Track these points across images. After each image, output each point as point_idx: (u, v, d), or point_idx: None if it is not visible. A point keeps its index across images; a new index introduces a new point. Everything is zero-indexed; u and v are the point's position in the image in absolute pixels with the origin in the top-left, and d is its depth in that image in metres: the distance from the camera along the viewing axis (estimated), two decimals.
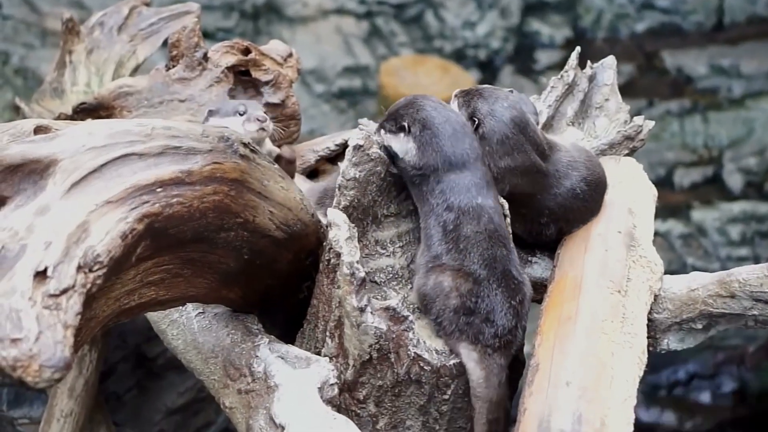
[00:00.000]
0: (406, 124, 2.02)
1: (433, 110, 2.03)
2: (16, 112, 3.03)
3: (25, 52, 4.85)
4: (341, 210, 2.00)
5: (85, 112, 2.68)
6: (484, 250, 1.97)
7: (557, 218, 2.20)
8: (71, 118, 2.67)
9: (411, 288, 2.05)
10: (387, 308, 1.92)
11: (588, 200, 2.21)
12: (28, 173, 1.67)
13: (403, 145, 2.02)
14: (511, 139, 2.10)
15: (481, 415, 1.95)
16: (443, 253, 1.97)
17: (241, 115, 2.19)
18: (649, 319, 2.10)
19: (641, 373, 1.95)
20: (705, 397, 3.89)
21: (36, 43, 4.89)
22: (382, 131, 2.07)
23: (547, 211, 2.18)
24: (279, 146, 2.73)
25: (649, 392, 3.86)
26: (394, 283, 2.08)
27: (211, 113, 2.31)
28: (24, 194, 1.66)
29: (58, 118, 2.68)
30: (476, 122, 2.10)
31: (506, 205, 2.10)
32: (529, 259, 2.29)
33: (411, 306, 2.05)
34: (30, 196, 1.65)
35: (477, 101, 2.12)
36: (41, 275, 1.52)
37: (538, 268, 2.27)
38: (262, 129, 2.24)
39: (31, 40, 4.90)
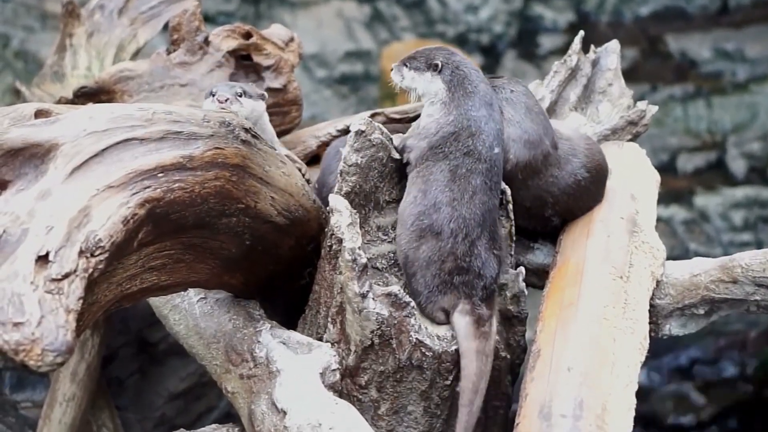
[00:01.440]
0: (439, 63, 2.04)
1: (464, 58, 2.08)
2: (17, 96, 3.02)
3: (26, 36, 4.83)
4: (343, 196, 2.00)
5: (86, 96, 2.66)
6: (483, 203, 1.97)
7: (561, 210, 2.19)
8: (72, 102, 2.66)
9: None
10: (389, 294, 1.92)
11: (590, 186, 2.20)
12: (29, 157, 1.67)
13: (430, 85, 2.04)
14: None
15: (469, 363, 1.93)
16: (444, 202, 1.96)
17: (213, 95, 2.18)
18: (651, 305, 2.11)
19: (643, 359, 1.96)
20: (707, 382, 3.90)
21: (36, 26, 4.87)
22: (405, 68, 2.07)
23: (551, 201, 2.17)
24: (280, 132, 2.73)
25: (650, 377, 3.87)
26: (396, 269, 2.08)
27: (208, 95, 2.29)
28: (25, 178, 1.66)
29: (59, 102, 2.67)
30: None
31: (508, 191, 2.09)
32: (531, 245, 2.28)
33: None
34: (31, 180, 1.65)
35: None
36: (43, 260, 1.52)
37: (540, 254, 2.27)
38: (224, 109, 2.20)
39: (31, 23, 4.88)
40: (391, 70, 2.11)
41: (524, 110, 2.10)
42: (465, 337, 1.94)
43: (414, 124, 2.17)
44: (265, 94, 2.29)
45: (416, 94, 2.10)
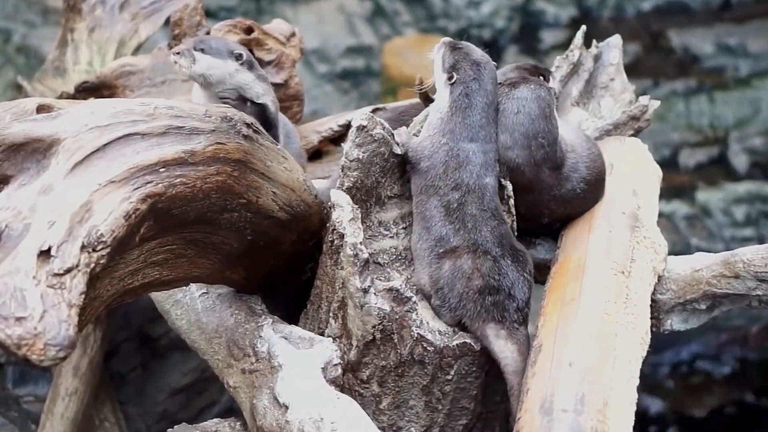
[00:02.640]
0: (454, 78, 2.04)
1: (487, 86, 2.05)
2: (18, 91, 3.02)
3: (27, 30, 4.82)
4: (344, 191, 2.00)
5: (88, 91, 2.67)
6: (493, 228, 1.98)
7: (558, 219, 2.19)
8: (73, 97, 2.66)
9: (412, 273, 2.05)
10: (390, 289, 1.92)
11: (587, 195, 2.19)
12: (31, 152, 1.67)
13: (440, 88, 2.05)
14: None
15: (518, 389, 1.93)
16: (450, 234, 1.97)
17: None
18: (652, 300, 2.10)
19: (644, 354, 1.96)
20: (708, 377, 3.91)
21: (37, 21, 4.87)
22: (444, 52, 2.07)
23: (547, 212, 2.17)
24: None
25: (652, 373, 3.87)
26: (398, 264, 2.08)
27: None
28: (27, 173, 1.66)
29: (60, 97, 2.67)
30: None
31: (509, 187, 2.09)
32: (533, 240, 2.28)
33: (414, 287, 2.05)
34: (33, 175, 1.65)
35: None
36: (45, 254, 1.53)
37: (541, 249, 2.27)
38: (175, 62, 2.16)
39: (32, 18, 4.87)
40: (442, 42, 2.09)
41: (521, 135, 2.06)
42: (514, 372, 1.93)
43: (416, 119, 2.17)
44: (245, 53, 2.20)
45: (432, 81, 2.10)
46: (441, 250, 1.98)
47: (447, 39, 2.12)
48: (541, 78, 2.21)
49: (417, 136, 2.10)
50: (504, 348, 1.95)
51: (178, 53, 2.15)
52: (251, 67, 2.22)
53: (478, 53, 2.09)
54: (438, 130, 2.03)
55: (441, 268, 1.97)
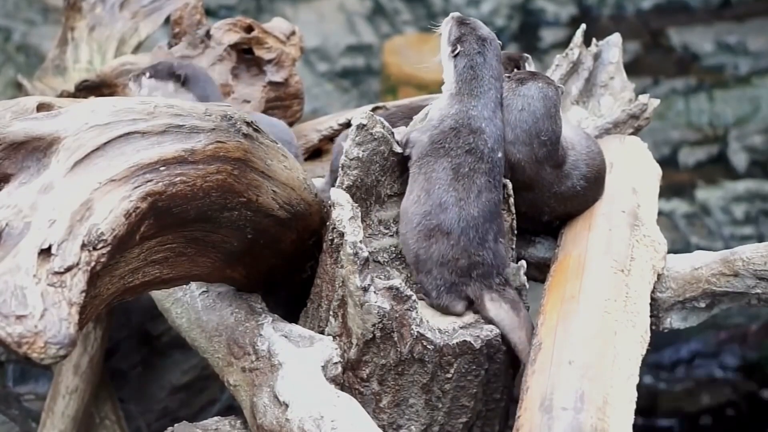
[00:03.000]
0: (458, 49, 2.03)
1: (491, 62, 2.05)
2: (19, 89, 3.02)
3: (27, 29, 4.82)
4: (344, 190, 2.00)
5: (88, 89, 2.67)
6: (489, 200, 1.98)
7: (558, 216, 2.19)
8: (74, 95, 2.66)
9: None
10: (390, 288, 1.92)
11: (587, 193, 2.19)
12: (31, 151, 1.67)
13: (446, 63, 2.04)
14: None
15: (521, 345, 1.97)
16: (450, 202, 1.96)
17: None
18: (652, 298, 2.11)
19: (644, 352, 1.96)
20: (707, 375, 3.91)
21: (38, 19, 4.86)
22: (449, 26, 2.07)
23: (548, 210, 2.17)
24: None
25: (651, 371, 3.88)
26: (397, 262, 2.09)
27: None
28: (27, 172, 1.66)
29: (61, 95, 2.67)
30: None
31: (509, 185, 2.09)
32: (533, 239, 2.28)
33: (414, 286, 2.05)
34: (33, 173, 1.66)
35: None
36: (45, 253, 1.53)
37: (541, 248, 2.27)
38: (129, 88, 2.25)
39: (32, 16, 4.87)
40: (450, 16, 2.09)
41: (524, 133, 2.06)
42: (512, 329, 1.97)
43: (416, 117, 2.17)
44: (185, 74, 2.29)
45: (438, 57, 2.10)
46: (432, 225, 1.97)
47: (456, 14, 2.11)
48: (515, 67, 2.21)
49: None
50: (499, 311, 1.98)
51: (131, 79, 2.24)
52: (194, 86, 2.29)
53: (485, 29, 2.09)
54: (446, 103, 2.02)
55: (429, 249, 1.97)
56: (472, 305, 2.01)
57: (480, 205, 1.97)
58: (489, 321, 2.00)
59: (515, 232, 2.12)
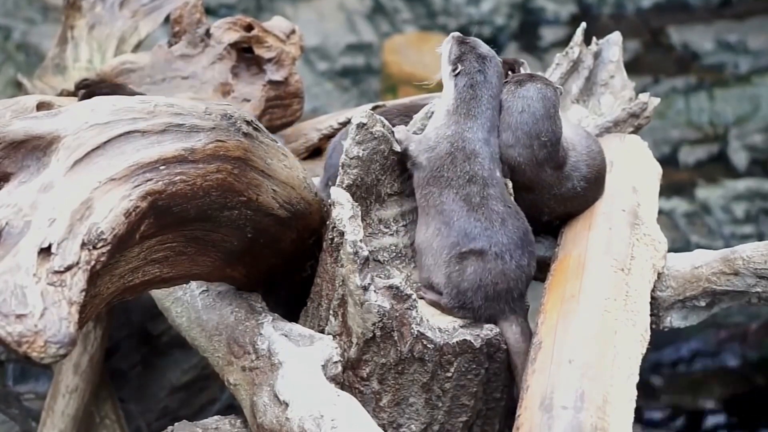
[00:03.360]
0: (459, 69, 2.05)
1: (492, 80, 2.06)
2: (19, 89, 3.02)
3: (27, 28, 4.82)
4: (344, 189, 2.00)
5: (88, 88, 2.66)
6: (518, 228, 2.00)
7: (558, 217, 2.19)
8: (73, 94, 2.66)
9: (413, 270, 2.05)
10: (390, 287, 1.92)
11: (588, 194, 2.19)
12: (31, 150, 1.67)
13: (446, 80, 2.06)
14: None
15: (521, 367, 1.98)
16: (476, 233, 1.97)
17: None
18: (652, 297, 2.11)
19: (644, 351, 1.96)
20: (707, 374, 3.91)
21: (37, 18, 4.86)
22: (452, 46, 2.09)
23: (547, 211, 2.17)
24: (281, 125, 2.72)
25: (651, 370, 3.88)
26: (398, 261, 2.09)
27: None
28: (27, 171, 1.66)
29: (61, 94, 2.67)
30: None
31: (509, 184, 2.09)
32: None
33: (414, 284, 2.05)
34: (33, 172, 1.66)
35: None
36: (45, 252, 1.53)
37: (541, 247, 2.27)
38: None
39: (32, 15, 4.87)
40: (451, 35, 2.11)
41: (524, 134, 2.06)
42: (517, 353, 1.99)
43: (416, 116, 2.17)
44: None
45: (438, 75, 2.11)
46: (464, 250, 1.97)
47: (455, 33, 2.13)
48: (510, 70, 2.21)
49: (417, 134, 2.10)
50: (512, 333, 2.00)
51: None
52: None
53: (484, 47, 2.10)
54: (443, 123, 2.03)
55: (464, 270, 1.97)
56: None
57: (508, 233, 1.98)
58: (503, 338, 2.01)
59: None
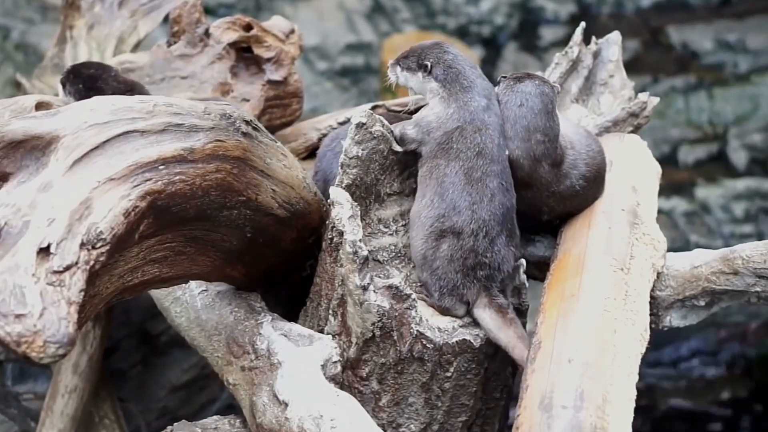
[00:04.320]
0: (428, 64, 2.04)
1: (458, 54, 2.07)
2: (18, 88, 3.02)
3: (26, 27, 4.82)
4: (344, 188, 2.00)
5: None
6: (502, 204, 2.00)
7: (558, 216, 2.19)
8: None
9: (413, 268, 2.05)
10: (390, 287, 1.92)
11: (587, 192, 2.19)
12: (30, 149, 1.67)
13: (424, 85, 2.05)
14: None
15: (507, 343, 1.97)
16: (464, 206, 1.97)
17: None
18: (651, 297, 2.11)
19: (643, 350, 1.96)
20: (707, 373, 3.91)
21: (36, 18, 4.86)
22: (398, 68, 2.09)
23: (546, 209, 2.17)
24: (280, 125, 2.72)
25: (651, 369, 3.88)
26: (397, 261, 2.08)
27: None
28: (26, 170, 1.66)
29: (59, 94, 2.66)
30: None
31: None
32: (532, 237, 2.28)
33: (413, 284, 2.05)
34: (32, 172, 1.65)
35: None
36: (44, 252, 1.53)
37: (540, 246, 2.27)
38: None
39: (31, 14, 4.87)
40: (388, 66, 2.13)
41: (522, 128, 2.07)
42: (497, 328, 1.98)
43: (416, 116, 2.16)
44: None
45: (413, 91, 2.12)
46: (443, 227, 1.98)
47: (391, 60, 2.14)
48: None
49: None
50: (482, 314, 1.99)
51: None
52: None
53: (427, 41, 2.13)
54: (442, 105, 2.03)
55: (438, 249, 1.98)
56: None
57: (493, 209, 1.98)
58: (476, 323, 2.00)
59: None
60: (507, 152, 2.06)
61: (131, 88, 2.32)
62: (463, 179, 1.98)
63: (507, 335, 1.96)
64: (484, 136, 2.00)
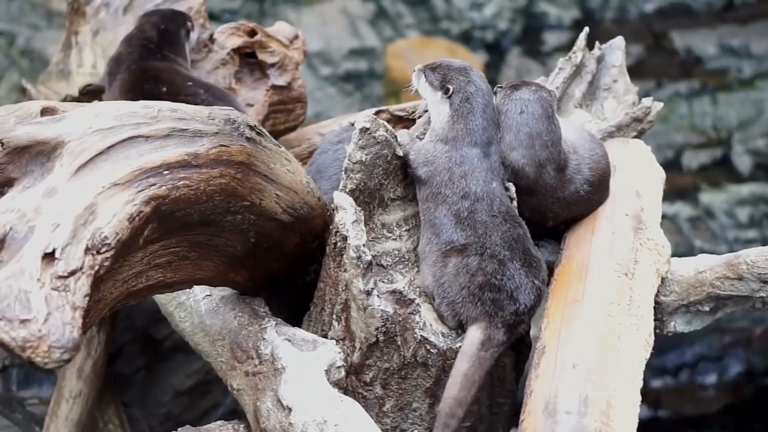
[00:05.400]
0: (450, 89, 2.04)
1: (481, 86, 2.06)
2: (23, 94, 3.03)
3: (31, 33, 4.84)
4: (347, 193, 2.00)
5: (92, 93, 2.67)
6: (504, 232, 1.98)
7: (563, 221, 2.19)
8: (77, 99, 2.66)
9: (416, 275, 2.05)
10: (393, 291, 1.92)
11: (591, 197, 2.18)
12: (35, 155, 1.68)
13: (437, 105, 2.05)
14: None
15: (453, 386, 1.92)
16: (460, 241, 1.97)
17: None
18: (656, 302, 2.10)
19: (648, 356, 1.95)
20: (711, 379, 3.90)
21: (42, 24, 4.88)
22: (423, 78, 2.08)
23: (551, 215, 2.17)
24: (284, 130, 2.73)
25: (655, 374, 3.87)
26: (401, 266, 2.08)
27: None
28: (31, 176, 1.66)
29: (65, 99, 2.68)
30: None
31: (512, 189, 2.09)
32: (536, 242, 2.28)
33: (417, 289, 2.05)
34: (37, 177, 1.66)
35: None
36: (49, 257, 1.53)
37: (544, 251, 2.26)
38: None
39: (36, 21, 4.89)
40: (414, 71, 2.11)
41: (525, 135, 2.06)
42: (463, 353, 1.93)
43: (419, 121, 2.16)
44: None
45: (424, 101, 2.12)
46: (448, 248, 1.98)
47: (419, 65, 2.13)
48: None
49: (420, 138, 2.10)
50: (468, 335, 1.94)
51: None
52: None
53: (458, 62, 2.12)
54: (441, 137, 2.03)
55: (446, 266, 1.98)
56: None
57: (492, 237, 1.97)
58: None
59: None
60: (505, 167, 2.05)
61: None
62: (453, 220, 1.99)
63: (460, 369, 1.91)
64: (470, 180, 2.00)
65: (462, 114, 2.03)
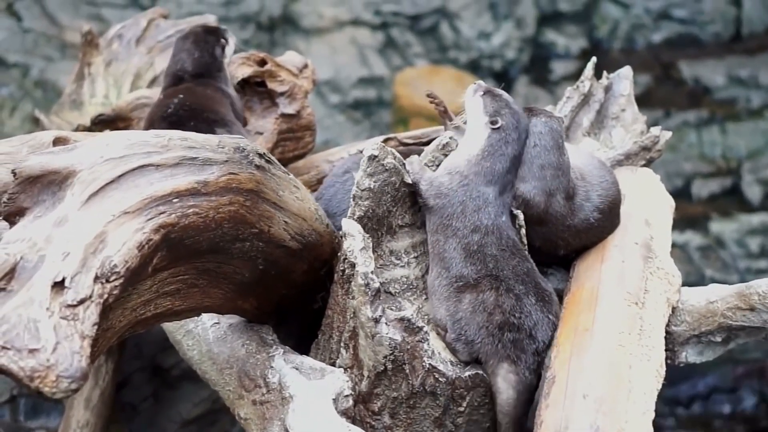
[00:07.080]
0: (500, 124, 2.04)
1: (522, 136, 2.06)
2: (36, 124, 3.06)
3: (45, 65, 4.91)
4: (356, 220, 2.00)
5: (104, 123, 2.70)
6: (515, 266, 1.97)
7: (573, 249, 2.18)
8: (90, 129, 2.69)
9: (424, 302, 2.04)
10: (402, 319, 1.91)
11: (602, 225, 2.18)
12: (47, 184, 1.69)
13: (476, 130, 2.04)
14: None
15: (507, 429, 1.94)
16: (471, 273, 1.96)
17: None
18: (667, 332, 2.08)
19: (659, 387, 1.93)
20: (725, 410, 3.84)
21: (55, 55, 4.95)
22: (479, 97, 2.07)
23: (562, 244, 2.16)
24: (293, 157, 2.74)
25: (668, 406, 3.81)
26: (409, 293, 2.08)
27: None
28: (43, 205, 1.67)
29: (77, 129, 2.70)
30: None
31: (521, 216, 2.09)
32: (545, 270, 2.27)
33: (425, 317, 2.04)
34: (49, 207, 1.67)
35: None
36: (59, 285, 1.53)
37: (554, 279, 2.25)
38: None
39: (50, 52, 4.96)
40: (474, 84, 2.12)
41: (538, 167, 2.07)
42: (507, 411, 1.93)
43: (427, 149, 2.17)
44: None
45: (463, 118, 2.11)
46: (461, 284, 1.97)
47: (482, 83, 2.13)
48: None
49: (428, 165, 2.11)
50: (506, 390, 1.93)
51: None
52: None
53: (516, 104, 2.12)
54: (461, 169, 2.02)
55: (460, 302, 1.96)
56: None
57: (503, 270, 1.96)
58: (491, 388, 1.95)
59: None
60: (516, 199, 2.05)
61: None
62: (462, 254, 1.97)
63: (507, 417, 1.91)
64: (482, 215, 1.99)
65: (493, 152, 2.02)
